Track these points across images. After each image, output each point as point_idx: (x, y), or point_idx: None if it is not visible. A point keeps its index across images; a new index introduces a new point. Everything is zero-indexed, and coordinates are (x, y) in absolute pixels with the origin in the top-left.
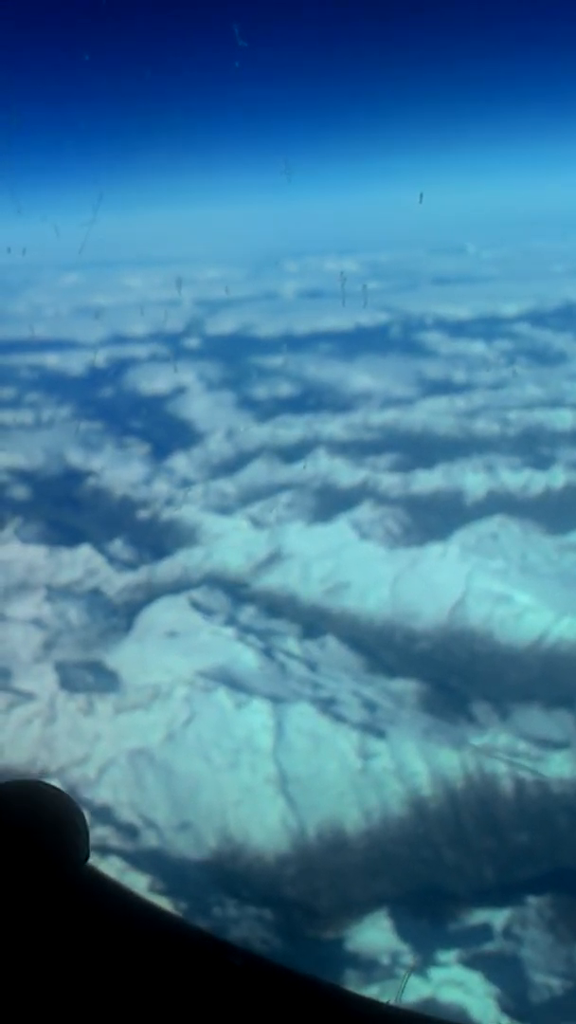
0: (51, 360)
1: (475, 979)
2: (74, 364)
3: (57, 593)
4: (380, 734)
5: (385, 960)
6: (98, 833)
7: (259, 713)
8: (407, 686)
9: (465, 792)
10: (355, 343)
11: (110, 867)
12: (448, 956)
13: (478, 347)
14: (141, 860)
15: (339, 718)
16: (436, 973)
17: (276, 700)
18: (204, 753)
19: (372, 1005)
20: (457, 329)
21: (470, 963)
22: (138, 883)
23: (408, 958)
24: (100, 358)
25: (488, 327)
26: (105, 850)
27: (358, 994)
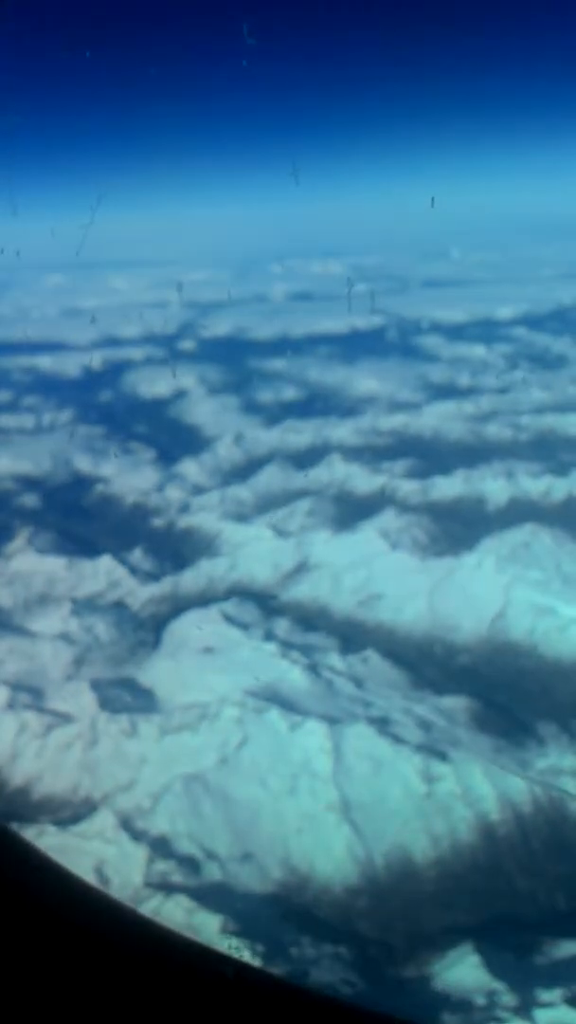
0: (44, 363)
1: None
2: (69, 367)
3: (82, 606)
4: (442, 756)
5: (481, 1000)
6: (159, 868)
7: (314, 735)
8: (457, 703)
9: (535, 816)
10: (354, 346)
11: (176, 907)
12: (551, 995)
13: (478, 351)
14: (208, 897)
15: (397, 739)
16: (542, 1015)
17: (330, 721)
18: (261, 778)
19: (367, 1016)
20: (455, 332)
21: None
22: (209, 924)
23: (506, 998)
24: (95, 361)
25: (485, 330)
26: (169, 888)
27: (352, 1004)
